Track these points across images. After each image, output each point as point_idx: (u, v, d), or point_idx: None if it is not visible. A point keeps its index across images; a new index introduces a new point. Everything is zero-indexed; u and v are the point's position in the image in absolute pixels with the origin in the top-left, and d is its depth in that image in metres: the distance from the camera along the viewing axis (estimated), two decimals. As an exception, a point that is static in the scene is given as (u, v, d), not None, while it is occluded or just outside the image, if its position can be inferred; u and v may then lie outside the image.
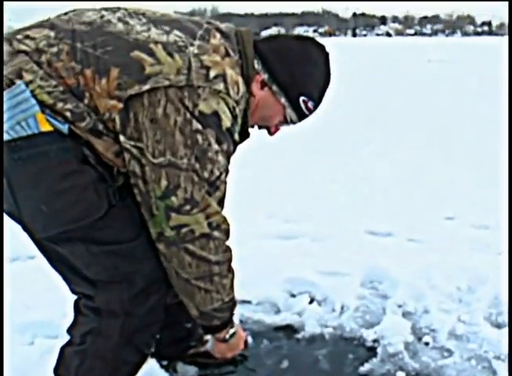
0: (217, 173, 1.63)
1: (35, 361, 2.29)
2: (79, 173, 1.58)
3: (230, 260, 1.78)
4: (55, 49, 1.58)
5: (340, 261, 3.20)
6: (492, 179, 4.66)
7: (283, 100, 1.78)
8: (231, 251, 1.77)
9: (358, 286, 2.99)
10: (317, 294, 2.89)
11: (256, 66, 1.74)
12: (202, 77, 1.56)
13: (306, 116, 1.85)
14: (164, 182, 1.58)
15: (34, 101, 1.52)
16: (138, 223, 1.71)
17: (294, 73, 1.75)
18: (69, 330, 1.87)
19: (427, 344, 2.53)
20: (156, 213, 1.63)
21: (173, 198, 1.59)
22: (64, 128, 1.54)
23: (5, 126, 1.51)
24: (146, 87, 1.53)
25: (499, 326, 2.67)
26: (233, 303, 1.87)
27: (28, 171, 1.55)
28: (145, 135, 1.56)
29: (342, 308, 2.78)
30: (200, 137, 1.56)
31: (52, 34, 1.61)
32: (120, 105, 1.55)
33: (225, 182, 1.70)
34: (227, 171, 1.70)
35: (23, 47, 1.58)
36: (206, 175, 1.60)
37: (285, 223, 3.88)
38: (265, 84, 1.77)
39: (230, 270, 1.79)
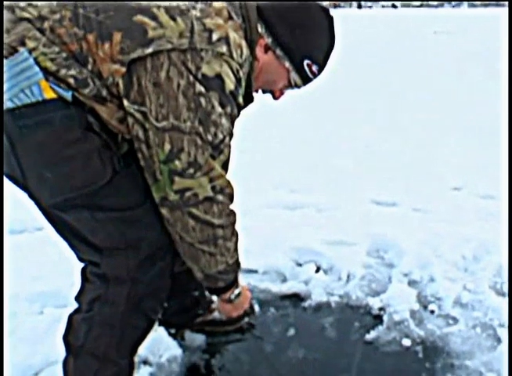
0: (220, 136, 1.62)
1: (44, 330, 2.31)
2: (83, 140, 1.58)
3: (234, 223, 1.78)
4: (57, 16, 1.56)
5: (345, 230, 3.20)
6: (498, 150, 4.63)
7: (287, 64, 1.77)
8: (235, 215, 1.77)
9: (364, 255, 2.99)
10: (323, 263, 2.90)
11: (259, 29, 1.72)
12: (205, 40, 1.55)
13: (310, 80, 1.83)
14: (167, 146, 1.57)
15: (37, 68, 1.51)
16: (143, 190, 1.71)
17: (298, 36, 1.73)
18: (76, 298, 1.88)
19: (432, 312, 2.54)
20: (160, 178, 1.63)
21: (176, 162, 1.59)
22: (68, 95, 1.54)
23: (9, 94, 1.50)
24: (149, 50, 1.52)
25: (504, 294, 2.68)
26: (237, 265, 1.88)
27: (33, 139, 1.54)
28: (148, 99, 1.55)
29: (348, 276, 2.79)
30: (203, 100, 1.55)
31: (55, 1, 1.60)
32: (123, 69, 1.54)
33: (229, 146, 1.69)
34: (231, 135, 1.69)
35: (25, 14, 1.56)
36: (209, 138, 1.59)
37: (291, 193, 3.87)
38: (269, 48, 1.75)
39: (234, 233, 1.79)
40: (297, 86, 1.85)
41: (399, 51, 10.07)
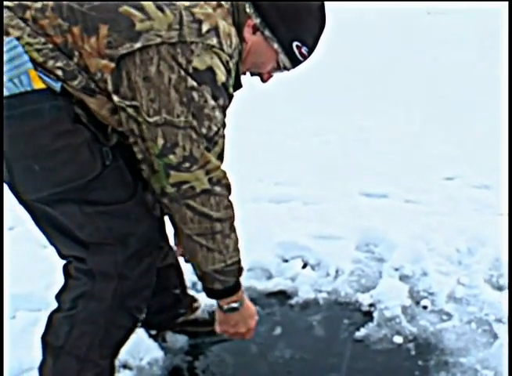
0: (215, 129, 1.61)
1: (18, 335, 2.25)
2: (73, 132, 1.57)
3: (232, 218, 1.75)
4: (39, 5, 1.54)
5: (334, 224, 3.16)
6: (492, 139, 4.58)
7: (275, 46, 1.74)
8: (233, 209, 1.75)
9: (354, 249, 2.95)
10: (310, 259, 2.85)
11: (248, 10, 1.70)
12: (194, 32, 1.53)
13: (300, 62, 1.81)
14: (160, 141, 1.58)
15: (26, 57, 1.50)
16: (131, 185, 1.72)
17: (287, 17, 1.71)
18: (58, 296, 1.84)
19: (425, 307, 2.50)
20: (158, 169, 1.64)
21: (171, 156, 1.59)
22: (57, 86, 1.53)
23: None
24: (138, 45, 1.50)
25: (500, 288, 2.64)
26: (238, 268, 1.83)
27: (20, 130, 1.53)
28: (138, 94, 1.54)
29: (337, 272, 2.75)
30: (195, 94, 1.54)
31: None
32: (112, 64, 1.53)
33: (223, 136, 1.69)
34: (224, 125, 1.69)
35: (5, 2, 1.54)
36: (204, 131, 1.59)
37: (276, 186, 3.82)
38: (257, 29, 1.72)
39: (232, 230, 1.77)
40: (286, 69, 1.83)
41: (390, 36, 10.02)
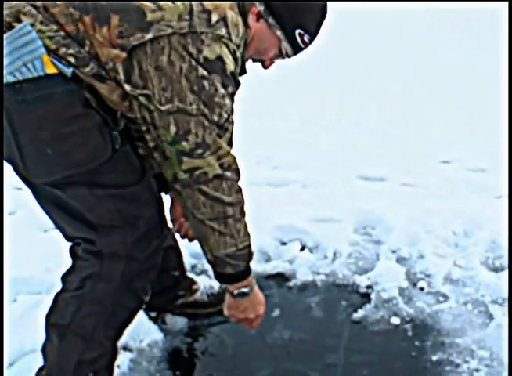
0: (225, 115, 1.64)
1: (19, 318, 2.25)
2: (84, 116, 1.59)
3: (242, 202, 1.77)
4: None
5: (331, 207, 3.16)
6: (488, 123, 4.58)
7: (278, 33, 1.76)
8: (242, 194, 1.77)
9: (351, 232, 2.95)
10: (308, 241, 2.86)
11: None
12: (204, 23, 1.55)
13: (302, 49, 1.83)
14: (173, 128, 1.59)
15: (40, 42, 1.51)
16: (139, 168, 1.76)
17: (291, 5, 1.73)
18: (63, 277, 1.85)
19: (422, 289, 2.52)
20: (169, 156, 1.65)
21: (184, 143, 1.60)
22: (68, 71, 1.54)
23: (11, 67, 1.50)
24: (149, 36, 1.52)
25: (496, 270, 2.66)
26: (248, 253, 1.84)
27: (33, 114, 1.54)
28: (150, 83, 1.56)
29: (334, 254, 2.76)
30: (206, 83, 1.56)
31: None
32: (124, 54, 1.54)
33: (232, 123, 1.71)
34: (233, 112, 1.71)
35: None
36: (215, 118, 1.61)
37: (274, 170, 3.82)
38: (261, 16, 1.74)
39: (243, 214, 1.78)
40: (288, 56, 1.85)
41: (388, 32, 9.99)
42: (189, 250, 2.66)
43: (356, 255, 2.76)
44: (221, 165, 1.66)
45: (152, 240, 1.81)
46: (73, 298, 1.80)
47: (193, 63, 1.54)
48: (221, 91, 1.59)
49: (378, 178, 3.67)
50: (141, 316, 2.24)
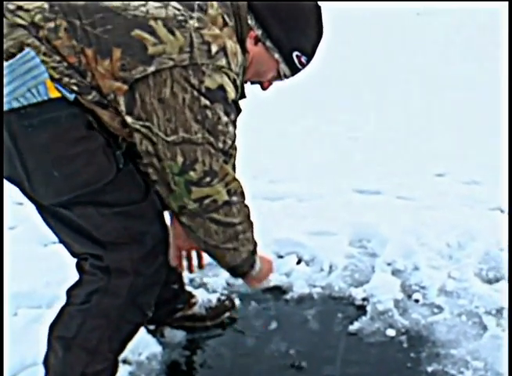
0: (229, 142, 1.68)
1: (20, 331, 2.26)
2: (88, 138, 1.62)
3: (249, 215, 1.84)
4: (52, 25, 1.56)
5: (327, 220, 3.17)
6: (482, 136, 4.60)
7: (276, 56, 1.80)
8: (248, 207, 1.83)
9: (347, 245, 2.96)
10: (305, 255, 2.87)
11: (250, 22, 1.75)
12: (205, 54, 1.58)
13: (299, 70, 1.87)
14: (180, 159, 1.62)
15: (43, 67, 1.53)
16: (143, 186, 1.78)
17: (287, 28, 1.77)
18: (69, 291, 1.88)
19: (416, 301, 2.53)
20: (175, 188, 1.67)
21: (191, 173, 1.63)
22: (71, 96, 1.57)
23: (15, 93, 1.52)
24: (151, 69, 1.55)
25: (489, 281, 2.67)
26: (256, 246, 1.93)
27: (39, 138, 1.57)
28: (155, 115, 1.58)
29: (330, 267, 2.77)
30: (209, 112, 1.60)
31: (46, 5, 1.59)
32: (126, 87, 1.57)
33: (236, 148, 1.82)
34: (236, 138, 1.76)
35: (18, 20, 1.56)
36: (220, 145, 1.65)
37: (270, 184, 3.82)
38: (259, 40, 1.78)
39: (251, 223, 1.85)
40: (286, 77, 1.88)
41: (379, 37, 9.99)
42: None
43: (352, 268, 2.77)
44: (228, 191, 1.71)
45: (158, 255, 1.84)
46: (78, 312, 1.82)
47: (195, 93, 1.57)
48: (224, 119, 1.63)
49: (373, 191, 3.68)
50: (140, 329, 2.27)
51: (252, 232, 1.87)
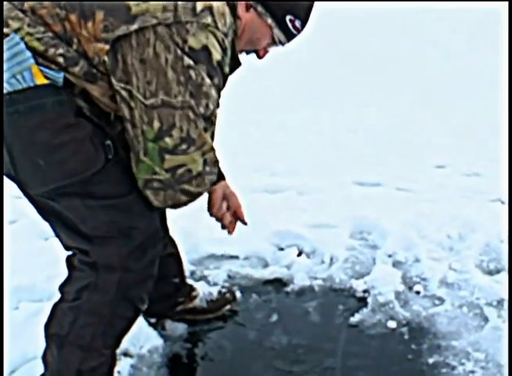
0: (211, 107, 1.62)
1: (21, 325, 2.26)
2: (76, 126, 1.58)
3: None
4: None
5: (328, 213, 3.17)
6: (482, 128, 4.60)
7: (269, 21, 1.76)
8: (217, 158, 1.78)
9: (347, 237, 2.96)
10: (305, 247, 2.87)
11: None
12: (189, 12, 1.53)
13: (294, 36, 1.82)
14: (156, 124, 1.57)
15: (29, 53, 1.50)
16: (133, 178, 1.71)
17: None
18: (61, 288, 1.85)
19: (417, 293, 2.53)
20: (144, 159, 1.62)
21: (167, 139, 1.58)
22: (59, 76, 1.53)
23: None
24: (134, 27, 1.51)
25: (490, 272, 2.67)
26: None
27: (24, 125, 1.54)
28: (134, 77, 1.54)
29: (331, 259, 2.77)
30: (192, 73, 1.55)
31: None
32: (107, 46, 1.53)
33: (216, 116, 1.71)
34: (218, 105, 1.70)
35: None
36: (202, 110, 1.59)
37: (271, 177, 3.82)
38: (250, 6, 1.74)
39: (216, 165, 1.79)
40: (282, 43, 1.84)
41: (380, 30, 9.98)
42: (188, 256, 2.69)
43: (353, 260, 2.77)
44: (204, 161, 1.66)
45: (147, 250, 1.80)
46: (70, 309, 1.80)
47: (179, 52, 1.53)
48: (208, 81, 1.57)
49: (373, 183, 3.68)
50: (141, 322, 2.26)
51: (211, 176, 1.77)
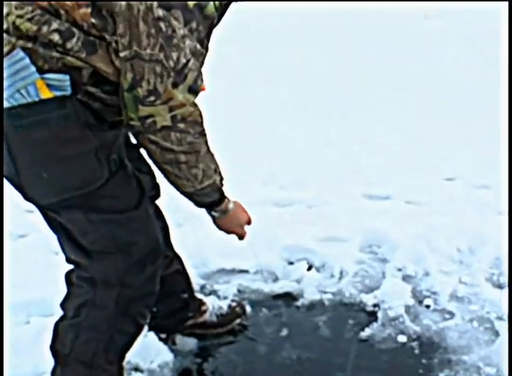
0: (183, 60, 1.56)
1: (31, 340, 2.26)
2: (80, 140, 1.59)
3: (199, 152, 1.70)
4: None
5: (337, 226, 3.15)
6: (492, 139, 4.58)
7: None
8: (201, 143, 1.71)
9: (357, 251, 2.95)
10: (315, 261, 2.86)
11: None
12: None
13: None
14: (129, 75, 1.55)
15: (33, 68, 1.51)
16: (137, 193, 1.74)
17: None
18: (62, 305, 1.87)
19: (428, 307, 2.52)
20: (128, 103, 1.61)
21: (138, 89, 1.56)
22: (66, 78, 1.54)
23: (5, 94, 1.52)
24: None
25: (500, 286, 2.66)
26: (214, 189, 1.80)
27: (29, 139, 1.56)
28: (109, 30, 1.54)
29: (341, 273, 2.76)
30: (162, 24, 1.51)
31: None
32: (89, 9, 1.53)
33: (196, 69, 1.62)
34: (199, 54, 1.62)
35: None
36: (171, 64, 1.55)
37: (280, 190, 3.79)
38: None
39: (200, 161, 1.72)
40: None
41: (388, 40, 9.98)
42: (198, 271, 2.69)
43: (362, 274, 2.76)
44: (172, 117, 1.61)
45: (146, 266, 1.80)
46: (70, 327, 1.82)
47: (149, 3, 1.49)
48: (181, 32, 1.53)
49: (382, 196, 3.65)
50: (151, 336, 2.28)
51: (202, 172, 1.73)
